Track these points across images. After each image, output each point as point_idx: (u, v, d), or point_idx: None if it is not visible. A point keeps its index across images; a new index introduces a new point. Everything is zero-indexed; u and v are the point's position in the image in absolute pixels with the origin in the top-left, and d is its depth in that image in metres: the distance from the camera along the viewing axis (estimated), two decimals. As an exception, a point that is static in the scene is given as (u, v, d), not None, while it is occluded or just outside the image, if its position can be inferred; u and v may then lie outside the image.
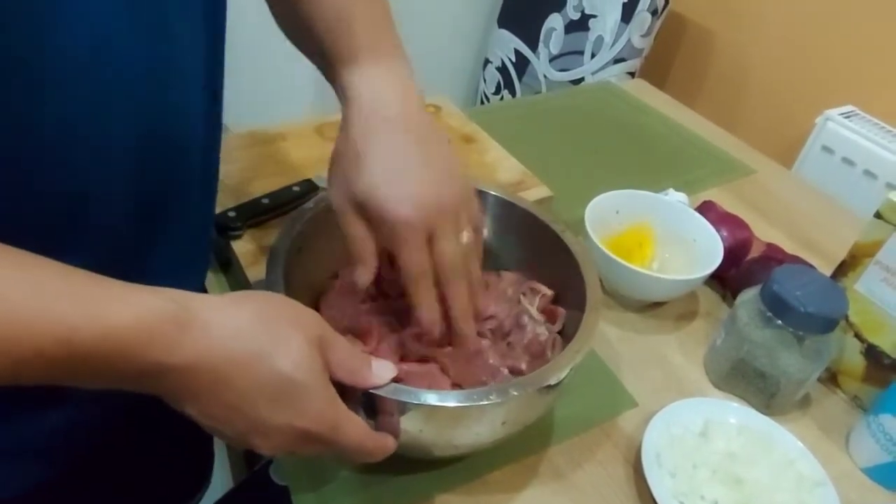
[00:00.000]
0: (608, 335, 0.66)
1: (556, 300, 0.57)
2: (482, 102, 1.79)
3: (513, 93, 1.68)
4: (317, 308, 0.54)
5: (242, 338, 0.37)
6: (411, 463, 0.52)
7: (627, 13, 1.39)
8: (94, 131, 0.39)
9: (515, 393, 0.44)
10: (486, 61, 1.75)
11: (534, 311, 0.55)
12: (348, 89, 0.47)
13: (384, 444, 0.43)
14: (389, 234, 0.44)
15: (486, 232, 0.62)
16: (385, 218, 0.43)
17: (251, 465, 0.95)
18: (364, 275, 0.46)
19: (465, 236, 0.46)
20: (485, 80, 1.76)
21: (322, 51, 0.50)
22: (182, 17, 0.42)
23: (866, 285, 0.59)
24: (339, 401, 0.40)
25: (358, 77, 0.47)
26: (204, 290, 0.65)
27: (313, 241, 0.56)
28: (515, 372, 0.51)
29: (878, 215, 0.57)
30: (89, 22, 0.36)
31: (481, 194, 0.61)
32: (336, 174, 0.47)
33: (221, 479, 1.02)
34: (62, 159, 0.39)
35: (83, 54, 0.36)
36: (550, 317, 0.56)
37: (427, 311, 0.46)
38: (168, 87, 0.42)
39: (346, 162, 0.45)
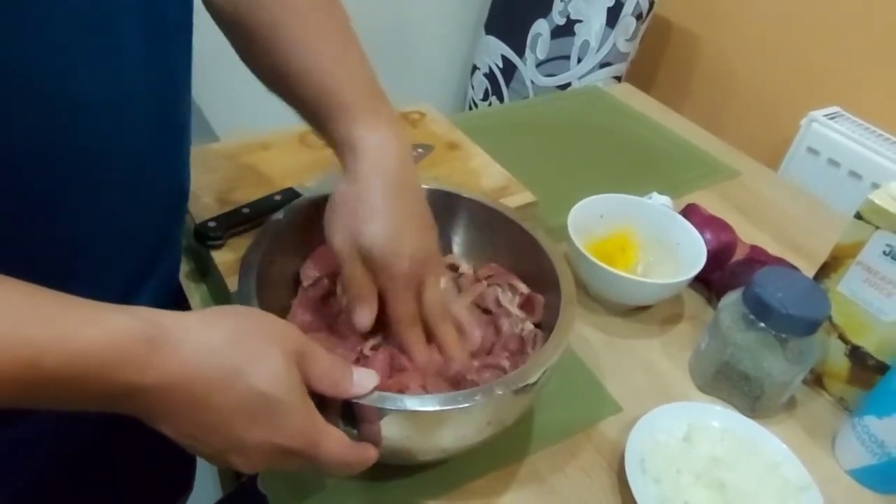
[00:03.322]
0: (592, 340, 0.66)
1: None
2: (470, 109, 1.79)
3: (501, 99, 1.68)
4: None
5: (217, 355, 0.36)
6: (394, 471, 0.52)
7: (612, 18, 1.39)
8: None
9: (499, 392, 0.44)
10: (474, 68, 1.75)
11: (514, 310, 0.55)
12: (356, 144, 0.50)
13: (365, 455, 0.43)
14: (388, 283, 0.48)
15: (461, 236, 0.64)
16: (388, 270, 0.48)
17: (238, 476, 0.94)
18: (367, 315, 0.49)
19: (444, 282, 0.52)
20: (473, 87, 1.76)
21: (315, 106, 0.52)
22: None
23: (849, 286, 0.59)
24: (318, 415, 0.40)
25: (361, 132, 0.50)
26: (179, 292, 0.64)
27: (285, 250, 0.56)
28: (499, 369, 0.51)
29: (858, 216, 0.57)
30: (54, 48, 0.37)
31: (453, 197, 0.62)
32: (340, 220, 0.49)
33: (208, 488, 1.02)
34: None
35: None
36: (528, 305, 0.56)
37: (420, 354, 0.50)
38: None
39: (354, 212, 0.48)
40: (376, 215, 0.48)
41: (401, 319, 0.49)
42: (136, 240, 0.51)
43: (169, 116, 0.50)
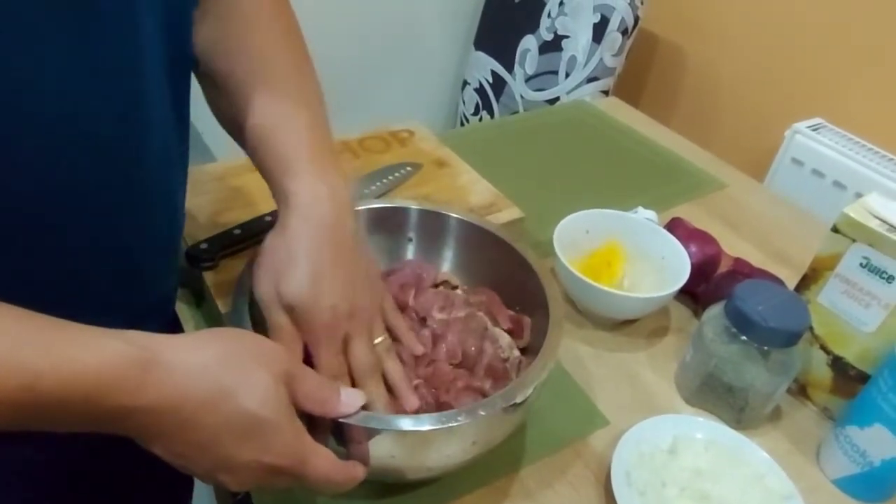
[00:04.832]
0: (580, 354, 0.67)
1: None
2: (462, 124, 1.81)
3: (491, 113, 1.70)
4: None
5: (207, 377, 0.38)
6: (385, 488, 0.52)
7: (598, 34, 1.41)
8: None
9: (483, 413, 0.45)
10: (465, 83, 1.77)
11: (502, 339, 0.56)
12: (289, 197, 0.49)
13: (353, 473, 0.44)
14: (309, 335, 0.47)
15: (450, 255, 0.64)
16: (307, 322, 0.46)
17: (235, 493, 0.95)
18: None
19: (379, 339, 0.50)
20: (463, 102, 1.78)
21: (261, 155, 0.52)
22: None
23: (828, 298, 0.60)
24: (306, 434, 0.41)
25: (297, 187, 0.50)
26: (175, 321, 0.65)
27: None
28: (479, 392, 0.52)
29: (835, 229, 0.58)
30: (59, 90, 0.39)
31: (443, 217, 0.63)
32: (265, 269, 0.48)
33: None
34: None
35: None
36: (517, 328, 0.57)
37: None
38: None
39: (278, 262, 0.48)
40: (298, 265, 0.47)
41: (325, 372, 0.47)
42: (137, 269, 0.52)
43: (171, 147, 0.52)
